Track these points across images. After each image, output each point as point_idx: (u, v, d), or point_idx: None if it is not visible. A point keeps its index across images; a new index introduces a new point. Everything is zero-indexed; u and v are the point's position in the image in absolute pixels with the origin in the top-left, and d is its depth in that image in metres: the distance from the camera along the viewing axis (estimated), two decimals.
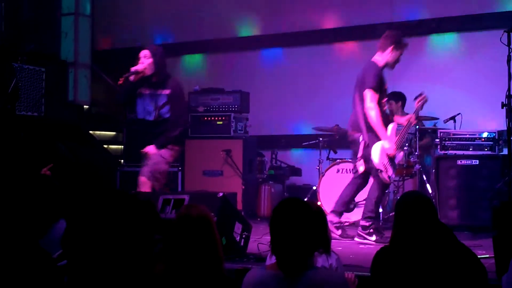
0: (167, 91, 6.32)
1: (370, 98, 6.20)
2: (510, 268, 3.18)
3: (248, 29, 10.32)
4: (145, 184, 6.30)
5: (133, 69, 6.23)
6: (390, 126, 6.35)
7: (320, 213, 3.21)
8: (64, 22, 9.63)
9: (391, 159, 6.28)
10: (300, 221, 2.78)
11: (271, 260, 2.97)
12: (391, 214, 7.72)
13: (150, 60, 6.29)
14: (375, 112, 6.18)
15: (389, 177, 6.28)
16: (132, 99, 6.44)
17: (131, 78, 6.23)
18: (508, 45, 5.15)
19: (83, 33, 9.87)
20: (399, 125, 6.61)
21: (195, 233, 2.89)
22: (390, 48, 6.33)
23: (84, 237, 1.87)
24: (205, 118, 8.73)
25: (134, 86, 6.32)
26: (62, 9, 9.59)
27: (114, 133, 10.27)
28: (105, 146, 9.52)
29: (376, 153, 6.21)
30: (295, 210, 2.81)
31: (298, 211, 2.81)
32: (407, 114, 8.11)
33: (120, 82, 6.23)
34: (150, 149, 6.26)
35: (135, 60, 6.30)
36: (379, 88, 6.26)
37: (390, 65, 6.38)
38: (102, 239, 1.90)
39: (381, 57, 6.39)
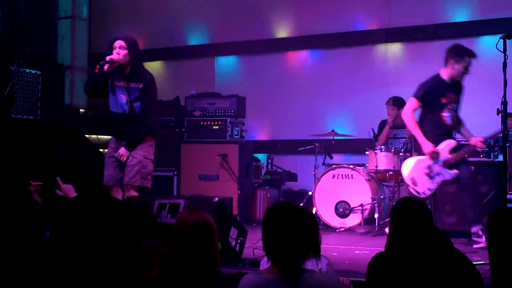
0: (140, 85, 6.01)
1: (407, 106, 6.38)
2: None
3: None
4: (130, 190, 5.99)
5: (108, 58, 5.91)
6: (446, 143, 6.30)
7: (311, 218, 3.22)
8: (61, 25, 9.62)
9: (433, 173, 6.26)
10: (293, 225, 2.79)
11: (266, 265, 2.97)
12: (386, 220, 7.73)
13: (126, 51, 5.96)
14: (409, 120, 6.31)
15: (417, 192, 6.28)
16: (101, 90, 6.12)
17: (105, 67, 5.91)
18: (504, 51, 5.16)
19: (80, 36, 9.86)
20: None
21: (193, 241, 2.89)
22: (450, 62, 6.36)
23: (69, 244, 1.87)
24: (201, 123, 8.73)
25: (105, 76, 6.00)
26: (59, 12, 9.58)
27: (110, 137, 10.23)
28: (101, 150, 9.50)
29: (406, 167, 6.41)
30: (287, 214, 2.82)
31: (290, 215, 2.82)
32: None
33: (96, 70, 5.97)
34: (124, 152, 5.97)
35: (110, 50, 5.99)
36: (428, 99, 6.29)
37: (457, 77, 6.33)
38: (88, 246, 1.90)
39: (445, 71, 6.40)
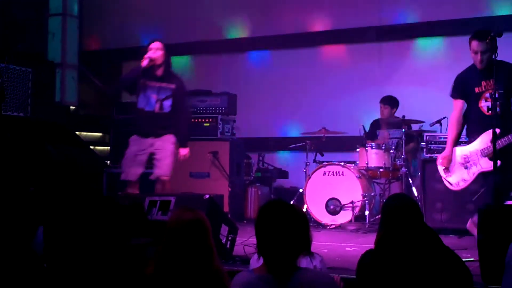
0: (171, 86, 6.52)
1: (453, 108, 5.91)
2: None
3: (236, 31, 10.32)
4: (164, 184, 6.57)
5: (147, 56, 6.41)
6: (484, 134, 5.62)
7: (302, 215, 3.23)
8: (52, 22, 9.60)
9: (469, 163, 5.72)
10: (285, 222, 2.79)
11: (257, 262, 2.97)
12: (377, 217, 7.75)
13: (162, 52, 6.51)
14: (449, 123, 6.01)
15: (450, 183, 5.87)
16: (134, 86, 6.58)
17: (144, 63, 6.41)
18: (495, 49, 5.17)
19: (71, 33, 9.84)
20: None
21: (191, 237, 2.92)
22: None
23: (62, 240, 1.87)
24: (192, 120, 8.71)
25: (139, 73, 6.49)
26: (49, 9, 9.56)
27: (100, 134, 10.24)
28: (92, 147, 9.49)
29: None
30: (279, 212, 2.83)
31: (283, 213, 2.82)
32: (397, 118, 8.16)
33: (144, 63, 6.42)
34: (186, 152, 6.75)
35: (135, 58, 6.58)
36: (465, 91, 5.76)
37: (477, 63, 5.68)
38: (80, 242, 1.90)
39: None
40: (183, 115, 6.69)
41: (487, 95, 5.54)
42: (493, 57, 5.31)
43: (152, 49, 6.50)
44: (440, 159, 5.85)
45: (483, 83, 5.58)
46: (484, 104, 5.59)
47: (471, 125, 5.74)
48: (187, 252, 2.89)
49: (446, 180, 5.85)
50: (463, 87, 5.73)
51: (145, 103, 6.52)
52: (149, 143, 6.59)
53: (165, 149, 6.51)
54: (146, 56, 6.42)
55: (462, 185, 5.77)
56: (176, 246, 2.91)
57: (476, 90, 5.62)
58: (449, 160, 5.79)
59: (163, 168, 6.51)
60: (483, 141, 5.57)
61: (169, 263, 2.88)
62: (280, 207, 2.86)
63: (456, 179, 5.77)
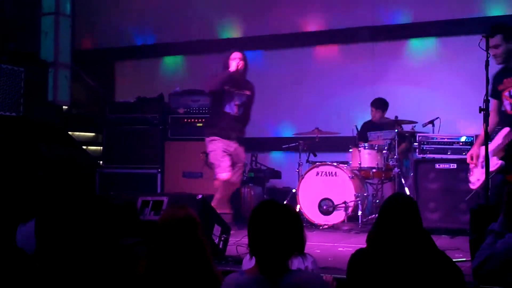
0: (248, 92, 7.28)
1: None
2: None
3: (230, 31, 10.32)
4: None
5: (236, 66, 7.08)
6: (502, 131, 5.60)
7: (296, 215, 3.23)
8: (44, 21, 9.56)
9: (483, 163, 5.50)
10: (278, 223, 2.78)
11: (249, 263, 2.97)
12: (370, 217, 7.76)
13: (243, 62, 7.15)
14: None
15: (470, 181, 5.76)
16: (220, 91, 7.11)
17: (233, 69, 7.06)
18: (487, 50, 5.17)
19: (64, 33, 9.79)
20: None
21: (181, 234, 2.91)
22: None
23: (54, 239, 1.86)
24: (185, 120, 8.71)
25: (225, 80, 7.08)
26: (42, 8, 9.52)
27: (93, 134, 10.21)
28: (84, 147, 9.46)
29: None
30: (273, 212, 2.82)
31: (276, 213, 2.82)
32: (389, 119, 8.18)
33: (234, 69, 7.06)
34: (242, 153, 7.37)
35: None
36: (492, 91, 5.53)
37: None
38: (71, 241, 1.89)
39: None
40: (248, 120, 7.45)
41: (506, 93, 5.50)
42: None
43: (236, 59, 7.10)
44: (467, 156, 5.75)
45: (505, 80, 5.54)
46: (506, 102, 5.53)
47: (499, 124, 5.63)
48: (178, 249, 2.88)
49: (469, 179, 5.76)
50: (492, 85, 5.54)
51: (230, 108, 7.16)
52: (232, 146, 7.19)
53: (241, 159, 7.37)
54: (233, 65, 7.07)
55: (477, 184, 5.63)
56: (167, 244, 2.91)
57: (499, 87, 5.56)
58: (473, 157, 5.66)
59: (239, 177, 7.39)
60: (496, 140, 5.52)
61: (161, 261, 2.87)
62: (273, 208, 2.85)
63: (475, 177, 5.67)
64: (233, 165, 7.17)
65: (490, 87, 5.52)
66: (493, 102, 5.52)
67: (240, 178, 7.48)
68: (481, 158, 5.53)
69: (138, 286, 2.78)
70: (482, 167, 5.52)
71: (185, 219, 2.98)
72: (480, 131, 5.48)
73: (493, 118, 5.50)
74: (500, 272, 3.30)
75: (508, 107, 5.47)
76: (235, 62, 7.11)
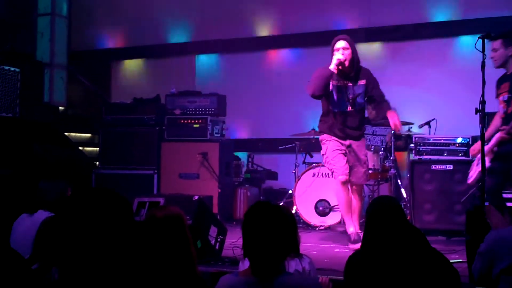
0: (362, 81, 6.24)
1: None
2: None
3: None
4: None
5: (338, 60, 6.04)
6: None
7: (290, 217, 3.22)
8: (41, 22, 9.55)
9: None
10: (272, 224, 2.78)
11: (243, 265, 2.96)
12: None
13: (349, 51, 6.14)
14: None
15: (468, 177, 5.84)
16: (325, 91, 6.20)
17: (333, 68, 6.08)
18: (483, 51, 5.19)
19: (60, 33, 9.78)
20: None
21: (162, 233, 2.90)
22: None
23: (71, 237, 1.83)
24: (182, 121, 8.71)
25: (328, 78, 6.15)
26: (38, 9, 9.51)
27: (89, 135, 10.21)
28: (81, 148, 9.46)
29: None
30: (266, 214, 2.81)
31: (270, 215, 2.81)
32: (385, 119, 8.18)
33: (335, 67, 6.06)
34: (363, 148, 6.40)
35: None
36: (496, 94, 5.71)
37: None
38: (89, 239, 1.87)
39: None
40: (386, 100, 6.33)
41: (501, 98, 5.58)
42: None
43: (339, 49, 6.13)
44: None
45: (502, 86, 5.64)
46: (500, 106, 5.61)
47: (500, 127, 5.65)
48: (161, 250, 2.87)
49: (469, 174, 5.84)
50: (495, 89, 5.73)
51: (341, 105, 6.22)
52: (347, 144, 6.31)
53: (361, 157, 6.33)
54: (338, 60, 6.04)
55: (470, 180, 5.78)
56: (150, 245, 2.89)
57: (498, 92, 5.68)
58: (474, 154, 5.81)
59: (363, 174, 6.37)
60: (491, 142, 5.60)
61: (147, 261, 2.86)
62: (267, 209, 2.84)
63: (471, 174, 5.76)
64: (352, 165, 6.26)
65: (494, 90, 5.63)
66: (498, 106, 5.66)
67: (364, 178, 6.39)
68: (476, 156, 5.66)
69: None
70: (477, 165, 5.62)
71: (165, 219, 2.96)
72: (487, 132, 5.52)
73: (497, 121, 5.65)
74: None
75: (501, 111, 5.54)
76: (337, 54, 6.10)
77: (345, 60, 6.07)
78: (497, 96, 5.67)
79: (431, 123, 7.82)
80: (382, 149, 7.74)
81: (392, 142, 7.70)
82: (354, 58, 6.16)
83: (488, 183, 5.22)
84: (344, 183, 6.16)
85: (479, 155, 5.52)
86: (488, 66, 5.26)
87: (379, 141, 7.92)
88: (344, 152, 6.22)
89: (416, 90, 8.84)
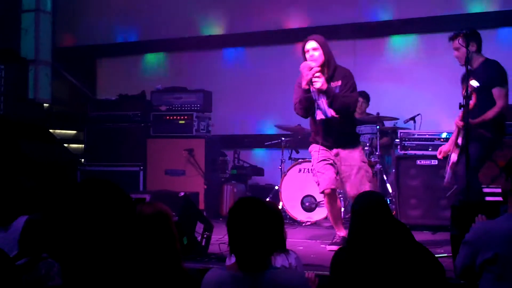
0: (337, 83, 5.69)
1: None
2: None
3: (211, 28, 10.30)
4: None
5: (313, 71, 5.57)
6: None
7: (276, 212, 3.22)
8: (24, 18, 9.50)
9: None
10: (256, 220, 2.78)
11: (230, 260, 2.97)
12: None
13: (320, 52, 5.67)
14: None
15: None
16: (311, 105, 5.74)
17: (305, 86, 5.63)
18: (466, 46, 5.23)
19: (44, 30, 9.74)
20: None
21: (149, 230, 2.90)
22: None
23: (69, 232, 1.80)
24: (167, 117, 8.69)
25: (309, 96, 5.69)
26: (22, 5, 9.46)
27: (75, 131, 10.17)
28: (66, 145, 9.42)
29: None
30: (251, 209, 2.82)
31: (254, 210, 2.81)
32: (371, 114, 8.21)
33: (306, 87, 5.62)
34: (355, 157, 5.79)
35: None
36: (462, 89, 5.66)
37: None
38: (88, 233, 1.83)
39: None
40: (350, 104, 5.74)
41: (464, 93, 5.55)
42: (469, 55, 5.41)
43: (309, 50, 5.69)
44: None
45: (463, 85, 5.65)
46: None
47: None
48: (147, 246, 2.87)
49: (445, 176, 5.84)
50: (461, 83, 5.81)
51: (322, 113, 5.71)
52: (334, 153, 5.85)
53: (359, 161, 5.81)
54: (312, 71, 5.58)
55: (444, 181, 5.78)
56: (136, 241, 2.89)
57: (462, 87, 5.68)
58: (441, 152, 5.88)
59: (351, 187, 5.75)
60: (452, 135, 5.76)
61: (135, 257, 2.85)
62: (251, 205, 2.85)
63: (446, 176, 5.75)
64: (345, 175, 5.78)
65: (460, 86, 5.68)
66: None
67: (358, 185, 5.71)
68: (449, 157, 5.66)
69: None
70: (449, 166, 5.66)
71: (152, 216, 2.96)
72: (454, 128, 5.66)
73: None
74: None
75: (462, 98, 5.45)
76: (307, 56, 5.71)
77: (318, 61, 5.65)
78: (464, 91, 5.66)
79: (416, 118, 7.86)
80: (367, 144, 7.76)
81: (378, 138, 7.72)
82: (327, 59, 5.68)
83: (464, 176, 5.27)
84: (330, 194, 5.77)
85: (450, 154, 5.60)
86: None
87: (365, 139, 7.93)
88: (331, 162, 5.80)
89: (401, 85, 8.88)
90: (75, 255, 1.79)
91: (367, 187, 5.63)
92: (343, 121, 5.72)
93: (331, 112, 5.65)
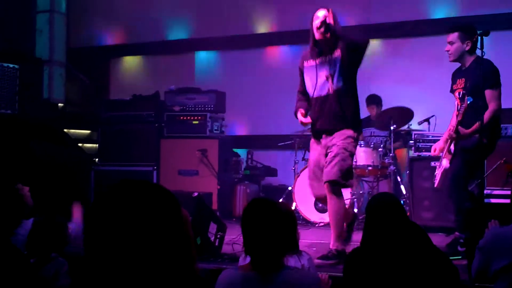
0: (337, 53, 5.16)
1: None
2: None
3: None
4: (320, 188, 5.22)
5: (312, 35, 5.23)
6: None
7: (289, 213, 3.22)
8: (39, 19, 9.54)
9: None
10: (269, 221, 2.79)
11: (244, 261, 2.97)
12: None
13: (322, 21, 5.16)
14: None
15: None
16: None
17: (310, 42, 5.32)
18: (481, 48, 5.20)
19: (58, 30, 9.79)
20: None
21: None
22: None
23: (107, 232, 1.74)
24: (181, 118, 8.71)
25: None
26: (37, 6, 9.50)
27: (88, 131, 10.20)
28: (80, 144, 9.46)
29: None
30: (263, 210, 2.82)
31: (267, 211, 2.82)
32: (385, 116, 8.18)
33: (311, 42, 5.33)
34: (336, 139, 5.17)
35: None
36: (451, 88, 5.73)
37: None
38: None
39: None
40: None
41: (456, 94, 5.51)
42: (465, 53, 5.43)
43: (315, 19, 5.25)
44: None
45: (458, 80, 5.63)
46: (455, 102, 5.50)
47: None
48: (165, 247, 2.87)
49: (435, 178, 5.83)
50: (451, 82, 5.78)
51: (315, 89, 5.26)
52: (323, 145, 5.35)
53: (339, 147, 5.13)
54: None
55: (436, 184, 5.72)
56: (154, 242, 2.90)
57: (454, 87, 5.69)
58: (436, 150, 5.74)
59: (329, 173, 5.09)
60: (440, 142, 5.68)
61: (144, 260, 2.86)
62: (265, 206, 2.86)
63: (436, 177, 5.72)
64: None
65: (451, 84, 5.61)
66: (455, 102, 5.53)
67: (332, 169, 5.07)
68: (441, 161, 5.60)
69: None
70: (439, 166, 5.62)
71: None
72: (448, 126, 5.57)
73: (453, 119, 5.56)
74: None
75: (456, 108, 5.45)
76: (314, 25, 5.25)
77: (321, 32, 5.17)
78: (452, 91, 5.65)
79: (430, 120, 7.82)
80: (381, 146, 7.74)
81: (392, 139, 7.70)
82: (331, 27, 5.11)
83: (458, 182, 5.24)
84: (324, 200, 5.27)
85: (441, 154, 5.56)
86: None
87: (378, 140, 7.91)
88: (319, 164, 5.29)
89: (415, 87, 8.84)
90: (116, 257, 1.75)
91: (338, 176, 5.07)
92: (340, 100, 5.21)
93: (328, 86, 5.21)
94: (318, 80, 5.21)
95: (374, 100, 8.41)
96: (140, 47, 10.84)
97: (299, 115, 5.33)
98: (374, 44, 9.45)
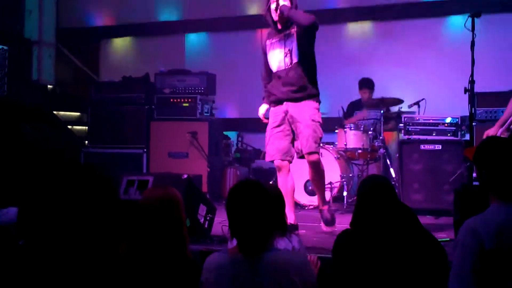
0: (293, 29, 5.54)
1: None
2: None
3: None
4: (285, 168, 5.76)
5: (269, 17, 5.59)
6: None
7: (276, 194, 3.22)
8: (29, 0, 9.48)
9: None
10: (254, 202, 2.78)
11: (232, 243, 2.98)
12: (355, 198, 7.78)
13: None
14: None
15: None
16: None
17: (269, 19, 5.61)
18: (472, 30, 5.20)
19: (48, 11, 9.72)
20: None
21: (159, 214, 2.90)
22: None
23: (42, 217, 1.80)
24: (171, 100, 8.67)
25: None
26: None
27: (78, 113, 10.17)
28: (70, 126, 9.42)
29: None
30: (248, 192, 2.82)
31: (252, 193, 2.81)
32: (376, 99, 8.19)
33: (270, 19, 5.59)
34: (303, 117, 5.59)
35: None
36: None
37: None
38: (62, 217, 1.83)
39: None
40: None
41: None
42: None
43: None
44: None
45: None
46: None
47: None
48: (158, 228, 2.88)
49: None
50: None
51: (276, 65, 5.67)
52: (285, 110, 5.69)
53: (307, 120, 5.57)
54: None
55: None
56: (147, 222, 2.90)
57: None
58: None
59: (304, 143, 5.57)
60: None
61: (141, 240, 2.86)
62: (250, 187, 2.85)
63: None
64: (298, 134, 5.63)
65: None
66: None
67: (308, 142, 5.60)
68: None
69: (118, 265, 2.77)
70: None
71: (163, 199, 2.96)
72: (505, 112, 5.23)
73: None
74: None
75: None
76: (272, 8, 5.55)
77: (277, 12, 5.46)
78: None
79: (420, 103, 7.82)
80: (371, 129, 7.74)
81: (382, 122, 7.71)
82: (284, 11, 5.46)
83: None
84: (279, 167, 5.77)
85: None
86: (478, 45, 5.27)
87: (368, 123, 7.91)
88: (281, 129, 5.71)
89: (405, 69, 8.84)
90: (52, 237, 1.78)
91: (315, 147, 5.61)
92: (300, 69, 5.57)
93: (289, 60, 5.56)
94: (279, 55, 5.62)
95: (367, 83, 8.41)
96: (130, 28, 10.77)
97: (260, 116, 6.06)
98: (365, 27, 9.45)
